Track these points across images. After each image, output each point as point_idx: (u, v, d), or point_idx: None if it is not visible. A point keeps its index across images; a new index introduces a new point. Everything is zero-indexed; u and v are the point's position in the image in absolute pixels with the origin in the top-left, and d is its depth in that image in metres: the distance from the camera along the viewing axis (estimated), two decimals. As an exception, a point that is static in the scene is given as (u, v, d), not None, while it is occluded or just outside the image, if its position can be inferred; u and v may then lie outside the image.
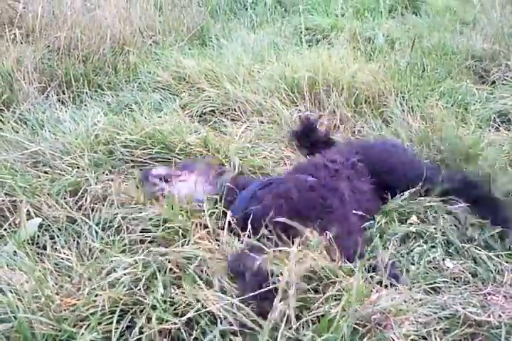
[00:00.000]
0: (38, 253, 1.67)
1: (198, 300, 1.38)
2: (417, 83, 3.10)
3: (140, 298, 1.41)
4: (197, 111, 2.87)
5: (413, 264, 1.72)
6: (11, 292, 1.36)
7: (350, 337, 1.29)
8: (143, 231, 1.77)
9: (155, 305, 1.38)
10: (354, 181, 2.00)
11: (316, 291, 1.46)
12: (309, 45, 3.99)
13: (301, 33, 3.84)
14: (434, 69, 3.39)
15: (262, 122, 2.76)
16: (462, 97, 2.99)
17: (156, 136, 2.35)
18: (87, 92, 3.08)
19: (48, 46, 3.41)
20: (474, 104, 2.96)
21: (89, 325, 1.31)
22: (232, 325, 1.31)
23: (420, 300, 1.52)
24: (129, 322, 1.36)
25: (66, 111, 2.77)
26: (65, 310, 1.35)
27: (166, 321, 1.35)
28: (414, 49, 3.45)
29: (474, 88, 3.17)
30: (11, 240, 1.67)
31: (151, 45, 3.87)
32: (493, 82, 3.40)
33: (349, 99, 2.89)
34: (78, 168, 2.19)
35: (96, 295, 1.40)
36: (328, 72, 3.01)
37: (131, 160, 2.28)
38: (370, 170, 2.08)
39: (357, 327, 1.35)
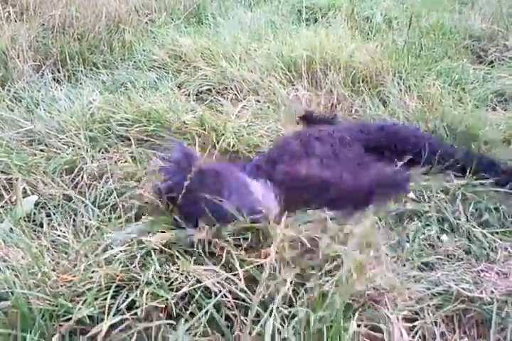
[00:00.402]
0: (34, 231, 1.68)
1: (193, 276, 1.40)
2: (415, 62, 3.08)
3: (135, 275, 1.42)
4: (193, 89, 2.85)
5: (408, 242, 1.73)
6: (8, 268, 1.37)
7: (343, 313, 1.30)
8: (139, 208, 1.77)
9: (150, 282, 1.39)
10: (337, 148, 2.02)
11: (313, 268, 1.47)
12: (307, 24, 3.95)
13: (299, 11, 3.81)
14: (432, 48, 3.37)
15: (259, 101, 2.74)
16: (459, 77, 2.98)
17: (152, 115, 2.34)
18: (82, 71, 3.06)
19: (43, 24, 3.38)
20: (472, 83, 2.94)
21: (85, 300, 1.32)
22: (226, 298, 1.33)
23: (414, 276, 1.53)
24: (125, 298, 1.37)
25: (61, 90, 2.75)
26: (61, 285, 1.36)
27: (162, 297, 1.37)
28: (411, 28, 3.43)
29: (472, 68, 3.16)
30: (7, 217, 1.68)
31: (146, 23, 3.83)
32: (491, 62, 3.38)
33: (346, 79, 2.87)
34: (74, 146, 2.19)
35: (92, 272, 1.41)
36: (325, 51, 2.99)
37: (128, 139, 2.27)
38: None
39: (351, 302, 1.37)
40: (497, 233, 1.79)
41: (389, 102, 2.72)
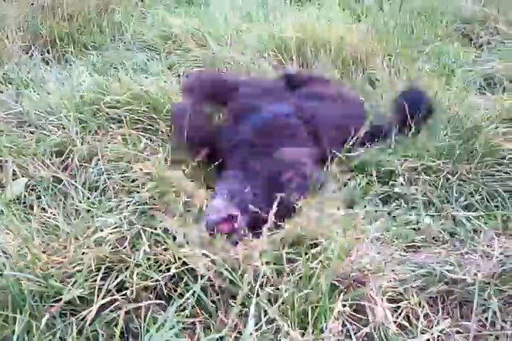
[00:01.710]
0: (24, 213, 1.69)
1: (180, 258, 1.42)
2: (405, 45, 3.08)
3: (125, 257, 1.44)
4: (183, 71, 2.84)
5: (393, 225, 1.75)
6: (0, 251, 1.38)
7: (329, 294, 1.32)
8: (130, 191, 1.79)
9: (139, 263, 1.42)
10: None
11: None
12: (298, 5, 3.93)
13: (290, -8, 3.78)
14: (423, 31, 3.36)
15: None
16: (449, 60, 2.98)
17: (144, 97, 2.33)
18: (71, 52, 3.04)
19: (32, 4, 3.34)
20: (461, 66, 2.95)
21: (75, 281, 1.34)
22: (212, 281, 1.35)
23: (399, 258, 1.57)
24: (115, 278, 1.39)
25: (51, 71, 2.74)
26: (51, 267, 1.38)
27: (151, 278, 1.39)
28: (403, 10, 3.42)
29: (462, 51, 3.16)
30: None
31: (136, 3, 3.80)
32: (481, 46, 3.38)
33: (337, 61, 2.87)
34: (64, 128, 2.18)
35: (82, 253, 1.43)
36: (316, 32, 2.98)
37: (118, 121, 2.27)
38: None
39: (336, 283, 1.40)
40: (482, 216, 1.82)
41: (378, 85, 2.73)
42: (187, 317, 1.30)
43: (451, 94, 2.49)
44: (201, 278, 1.33)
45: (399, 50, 2.99)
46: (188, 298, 1.32)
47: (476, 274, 1.52)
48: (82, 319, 1.26)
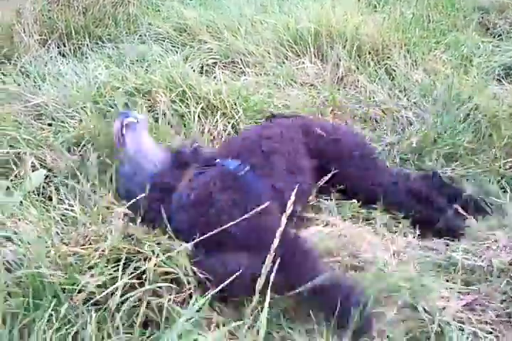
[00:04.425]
0: (43, 204, 1.70)
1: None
2: (422, 35, 3.05)
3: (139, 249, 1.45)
4: (198, 63, 2.84)
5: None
6: (20, 241, 1.39)
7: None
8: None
9: (158, 254, 1.42)
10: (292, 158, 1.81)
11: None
12: (313, -4, 3.91)
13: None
14: (440, 21, 3.33)
15: (266, 74, 2.74)
16: (467, 50, 2.95)
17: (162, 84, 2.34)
18: (87, 44, 3.05)
19: (48, -3, 3.36)
20: (479, 56, 2.91)
21: (94, 271, 1.35)
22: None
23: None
24: (134, 269, 1.40)
25: (67, 64, 2.76)
26: (70, 256, 1.39)
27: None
28: (420, 0, 3.38)
29: (480, 40, 3.12)
30: (17, 191, 1.70)
31: (151, -5, 3.80)
32: (500, 35, 3.34)
33: (353, 52, 2.85)
34: (81, 120, 2.20)
35: (97, 242, 1.44)
36: (331, 23, 2.96)
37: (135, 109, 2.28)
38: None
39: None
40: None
41: (395, 75, 2.71)
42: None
43: (469, 85, 2.46)
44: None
45: (416, 40, 2.96)
46: (207, 289, 1.32)
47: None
48: (103, 309, 1.27)
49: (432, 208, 1.81)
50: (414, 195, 1.85)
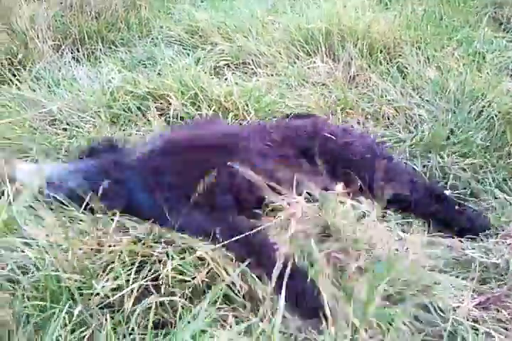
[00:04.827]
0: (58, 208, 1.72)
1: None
2: (434, 32, 3.03)
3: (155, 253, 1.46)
4: (210, 65, 2.86)
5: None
6: (37, 246, 1.41)
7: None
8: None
9: (173, 256, 1.44)
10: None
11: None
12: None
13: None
14: (452, 17, 3.30)
15: (278, 74, 2.75)
16: (480, 46, 2.92)
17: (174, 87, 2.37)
18: (100, 49, 3.09)
19: (61, 3, 3.40)
20: (492, 52, 2.89)
21: (109, 275, 1.37)
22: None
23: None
24: (148, 271, 1.42)
25: (81, 69, 2.80)
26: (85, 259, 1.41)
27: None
28: (431, -4, 3.37)
29: (493, 36, 3.09)
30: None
31: (162, -1, 3.83)
32: (513, 30, 3.31)
33: (364, 50, 2.84)
34: (95, 125, 2.23)
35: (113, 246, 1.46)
36: (342, 22, 2.96)
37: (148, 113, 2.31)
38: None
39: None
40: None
41: (407, 73, 2.70)
42: (219, 308, 1.32)
43: (482, 81, 2.45)
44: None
45: (428, 37, 2.94)
46: (220, 289, 1.34)
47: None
48: (117, 311, 1.29)
49: (452, 207, 1.80)
50: (433, 194, 1.84)
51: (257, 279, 1.39)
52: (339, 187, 1.74)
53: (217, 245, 1.42)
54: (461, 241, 1.67)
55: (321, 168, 1.77)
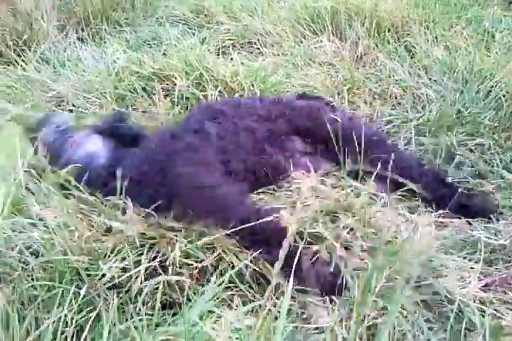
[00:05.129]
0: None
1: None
2: (443, 11, 2.99)
3: (164, 232, 1.47)
4: (216, 45, 2.84)
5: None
6: (46, 227, 1.42)
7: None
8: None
9: (182, 240, 1.44)
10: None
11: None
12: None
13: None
14: (461, -5, 3.25)
15: (284, 54, 2.73)
16: (489, 25, 2.88)
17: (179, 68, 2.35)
18: (105, 29, 3.07)
19: (65, -18, 3.36)
20: (502, 32, 2.84)
21: (117, 256, 1.38)
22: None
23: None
24: (157, 252, 1.42)
25: (86, 49, 2.78)
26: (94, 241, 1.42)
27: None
28: (440, -27, 3.30)
29: (502, 15, 3.04)
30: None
31: (167, -23, 3.78)
32: (524, 8, 3.26)
33: (371, 29, 2.81)
34: (101, 106, 2.23)
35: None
36: (349, 0, 2.92)
37: (153, 93, 2.29)
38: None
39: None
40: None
41: (415, 53, 2.67)
42: (225, 289, 1.33)
43: (491, 61, 2.42)
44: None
45: (436, 16, 2.90)
46: (226, 271, 1.34)
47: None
48: (125, 292, 1.31)
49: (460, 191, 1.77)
50: (441, 178, 1.82)
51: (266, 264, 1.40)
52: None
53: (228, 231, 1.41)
54: (469, 223, 1.66)
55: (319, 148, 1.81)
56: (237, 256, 1.41)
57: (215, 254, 1.40)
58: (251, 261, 1.38)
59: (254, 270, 1.39)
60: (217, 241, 1.42)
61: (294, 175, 1.75)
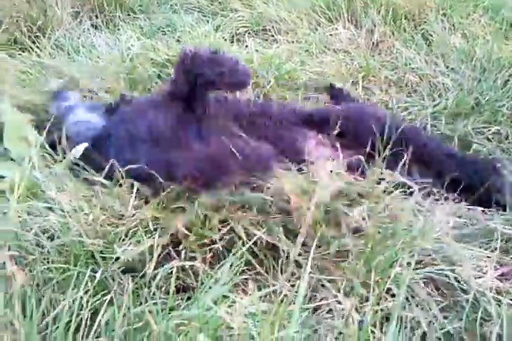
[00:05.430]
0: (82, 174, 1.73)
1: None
2: (460, -2, 2.95)
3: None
4: (230, 32, 2.82)
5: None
6: (61, 211, 1.42)
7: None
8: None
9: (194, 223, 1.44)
10: None
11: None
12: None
13: None
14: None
15: (299, 41, 2.71)
16: (507, 13, 2.83)
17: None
18: (119, 16, 3.05)
19: (79, -32, 3.35)
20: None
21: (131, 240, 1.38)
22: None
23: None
24: (171, 235, 1.42)
25: (100, 36, 2.77)
26: (109, 225, 1.42)
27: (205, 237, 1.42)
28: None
29: (522, 1, 2.99)
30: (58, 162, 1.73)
31: (182, -36, 3.75)
32: (544, -5, 3.20)
33: (388, 16, 2.78)
34: (115, 92, 2.22)
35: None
36: (366, -13, 2.89)
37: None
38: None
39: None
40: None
41: (432, 41, 2.64)
42: (240, 273, 1.33)
43: (510, 49, 2.38)
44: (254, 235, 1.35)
45: (453, 3, 2.86)
46: (241, 255, 1.34)
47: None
48: (140, 277, 1.31)
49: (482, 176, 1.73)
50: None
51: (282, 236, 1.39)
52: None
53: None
54: (485, 212, 1.64)
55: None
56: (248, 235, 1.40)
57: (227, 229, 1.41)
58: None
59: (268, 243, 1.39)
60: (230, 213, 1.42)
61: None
